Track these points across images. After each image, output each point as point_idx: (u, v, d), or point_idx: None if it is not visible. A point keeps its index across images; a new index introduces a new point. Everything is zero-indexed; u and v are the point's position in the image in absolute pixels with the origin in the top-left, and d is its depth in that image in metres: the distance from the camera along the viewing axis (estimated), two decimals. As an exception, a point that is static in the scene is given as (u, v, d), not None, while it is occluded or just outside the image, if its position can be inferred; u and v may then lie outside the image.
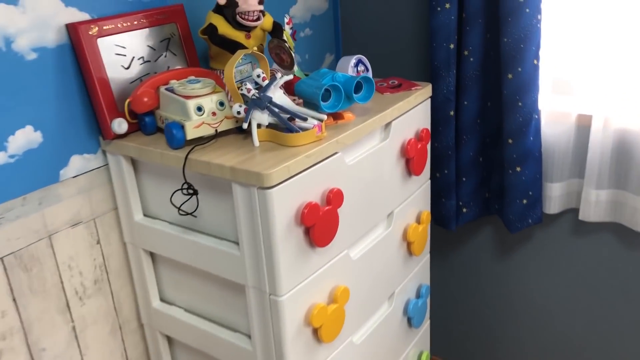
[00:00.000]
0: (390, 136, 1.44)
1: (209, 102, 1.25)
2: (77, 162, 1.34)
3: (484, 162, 1.82)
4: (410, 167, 1.53)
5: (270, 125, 1.25)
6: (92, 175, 1.37)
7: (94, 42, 1.28)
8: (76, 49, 1.27)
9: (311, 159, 1.18)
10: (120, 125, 1.30)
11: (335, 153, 1.26)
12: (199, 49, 1.54)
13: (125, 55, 1.34)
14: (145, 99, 1.29)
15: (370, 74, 1.51)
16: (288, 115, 1.23)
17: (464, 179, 1.82)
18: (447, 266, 2.10)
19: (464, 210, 1.85)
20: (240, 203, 1.16)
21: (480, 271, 2.03)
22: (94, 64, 1.28)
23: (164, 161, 1.25)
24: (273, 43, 1.39)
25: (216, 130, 1.25)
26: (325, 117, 1.26)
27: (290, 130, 1.21)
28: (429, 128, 1.61)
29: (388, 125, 1.43)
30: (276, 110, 1.22)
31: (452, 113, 1.73)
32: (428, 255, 1.76)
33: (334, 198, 1.24)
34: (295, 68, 1.49)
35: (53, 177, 1.30)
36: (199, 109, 1.24)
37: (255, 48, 1.44)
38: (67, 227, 1.34)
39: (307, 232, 1.21)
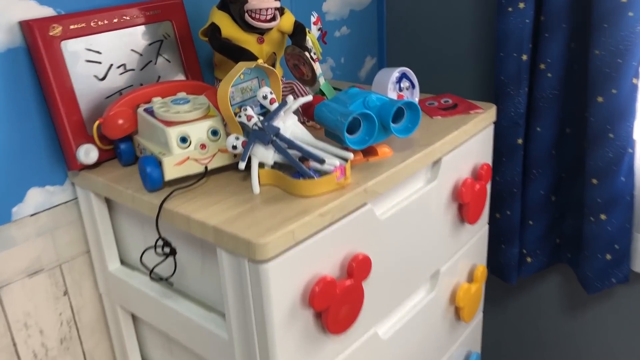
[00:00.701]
0: (439, 176, 1.10)
1: (198, 131, 0.94)
2: (37, 197, 1.06)
3: (556, 202, 1.45)
4: (464, 214, 1.19)
5: (277, 165, 0.93)
6: (58, 212, 1.09)
7: (56, 45, 0.98)
8: (32, 54, 0.98)
9: (328, 217, 0.86)
10: (87, 154, 1.01)
11: (364, 205, 0.93)
12: (204, 54, 1.23)
13: (100, 63, 1.05)
14: (120, 121, 0.99)
15: (416, 93, 1.17)
16: (300, 155, 0.91)
17: (530, 222, 1.46)
18: (503, 327, 1.74)
19: (528, 259, 1.49)
20: (227, 275, 0.85)
21: (545, 332, 1.67)
22: (56, 74, 0.98)
23: (136, 206, 0.95)
24: (289, 51, 1.07)
25: (206, 168, 0.95)
26: (351, 156, 0.93)
27: (302, 174, 0.89)
28: (491, 162, 1.26)
29: (438, 161, 1.09)
30: (284, 146, 0.90)
31: (520, 141, 1.37)
32: (480, 316, 1.41)
33: (359, 268, 0.92)
34: (322, 81, 1.16)
35: (3, 216, 1.02)
36: (183, 139, 0.93)
37: (272, 54, 1.12)
38: (22, 277, 1.06)
39: (319, 315, 0.89)
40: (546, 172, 1.40)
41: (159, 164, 0.92)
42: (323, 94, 1.21)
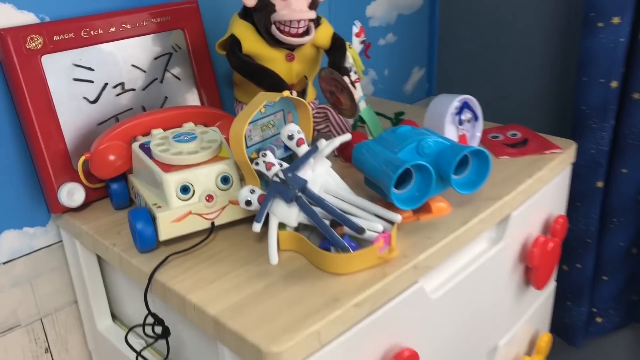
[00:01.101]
0: (506, 235, 0.88)
1: (205, 178, 0.74)
2: (12, 241, 0.87)
3: (638, 256, 1.21)
4: (532, 277, 0.96)
5: (301, 227, 0.73)
6: (39, 258, 0.91)
7: (34, 60, 0.79)
8: (5, 71, 0.79)
9: (365, 307, 0.65)
10: (71, 195, 0.82)
11: (413, 284, 0.72)
12: (223, 68, 1.03)
13: (91, 82, 0.85)
14: (111, 158, 0.80)
15: (479, 127, 0.95)
16: (331, 218, 0.70)
17: (604, 277, 1.22)
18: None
19: (598, 319, 1.26)
20: (230, 378, 0.65)
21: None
22: (34, 95, 0.79)
23: (124, 269, 0.76)
24: (325, 75, 0.86)
25: (212, 224, 0.74)
26: (398, 219, 0.72)
27: (334, 244, 0.68)
28: (565, 212, 1.03)
29: (506, 218, 0.87)
30: (311, 207, 0.69)
31: (599, 184, 1.13)
32: (539, 387, 1.19)
33: (403, 368, 0.71)
34: (362, 105, 0.95)
35: (-31, 264, 0.84)
36: (185, 189, 0.73)
37: (302, 77, 0.91)
38: (-7, 334, 0.89)
39: None
40: (628, 222, 1.16)
41: (152, 220, 0.72)
42: (362, 121, 0.99)
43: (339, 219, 0.68)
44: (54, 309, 0.95)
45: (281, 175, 0.70)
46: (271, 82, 0.83)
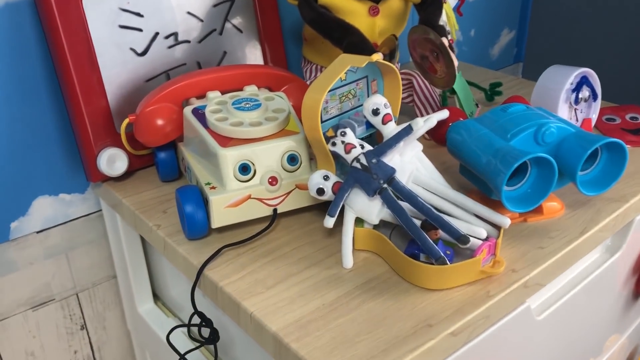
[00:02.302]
0: (626, 243, 0.72)
1: (269, 156, 0.61)
2: (47, 208, 0.77)
3: None
4: (644, 290, 0.81)
5: (381, 223, 0.59)
6: (76, 228, 0.81)
7: (75, 2, 0.67)
8: (41, 13, 0.67)
9: (463, 336, 0.52)
10: (112, 162, 0.70)
11: (521, 305, 0.58)
12: (290, 19, 0.89)
13: (140, 30, 0.72)
14: (159, 122, 0.67)
15: (596, 108, 0.78)
16: (422, 217, 0.56)
17: None
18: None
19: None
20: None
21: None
22: (73, 43, 0.67)
23: (168, 257, 0.64)
24: (416, 35, 0.70)
25: (275, 211, 0.62)
26: (507, 222, 0.58)
27: (427, 252, 0.54)
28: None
29: (629, 224, 0.71)
30: (399, 203, 0.55)
31: None
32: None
33: (498, 407, 0.57)
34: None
35: (-2, 233, 0.75)
36: (245, 168, 0.60)
37: (391, 36, 0.76)
38: (24, 309, 0.80)
39: None
40: None
41: (204, 203, 0.60)
42: (452, 91, 0.84)
43: (435, 222, 0.54)
44: (91, 283, 0.85)
45: (363, 160, 0.56)
46: (352, 41, 0.68)
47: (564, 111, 0.76)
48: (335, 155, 0.59)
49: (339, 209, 0.57)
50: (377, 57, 0.57)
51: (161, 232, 0.64)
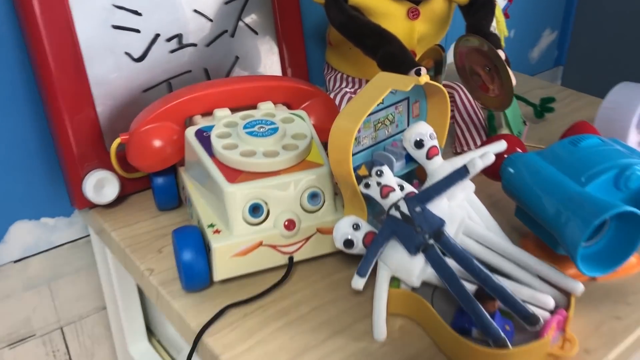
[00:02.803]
0: None
1: (286, 195, 0.49)
2: (27, 234, 0.67)
3: None
4: None
5: (424, 286, 0.48)
6: (60, 256, 0.70)
7: (59, 1, 0.56)
8: (18, 7, 0.56)
9: None
10: (99, 188, 0.60)
11: (587, 389, 0.47)
12: (311, 18, 0.77)
13: (137, 31, 0.61)
14: (156, 144, 0.56)
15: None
16: (476, 282, 0.45)
17: None
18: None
19: None
20: None
21: None
22: (55, 45, 0.56)
23: (163, 309, 0.54)
24: (466, 44, 0.58)
25: (291, 259, 0.51)
26: (580, 289, 0.46)
27: (484, 329, 0.43)
28: None
29: None
30: (449, 267, 0.44)
31: None
32: None
33: None
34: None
35: (-31, 262, 0.64)
36: (256, 209, 0.49)
37: (436, 47, 0.64)
38: (0, 347, 0.70)
39: None
40: None
41: (206, 249, 0.49)
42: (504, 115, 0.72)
43: (495, 293, 0.43)
44: (77, 316, 0.75)
45: (404, 208, 0.45)
46: (390, 52, 0.56)
47: (634, 138, 0.64)
48: (368, 198, 0.48)
49: (372, 267, 0.46)
50: (425, 78, 0.46)
51: (154, 279, 0.53)
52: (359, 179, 0.47)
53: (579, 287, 0.46)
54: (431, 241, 0.45)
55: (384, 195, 0.46)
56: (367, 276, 0.46)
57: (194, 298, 0.51)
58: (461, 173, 0.45)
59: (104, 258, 0.69)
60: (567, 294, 0.47)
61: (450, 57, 0.63)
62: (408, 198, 0.46)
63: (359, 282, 0.46)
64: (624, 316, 0.49)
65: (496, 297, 0.43)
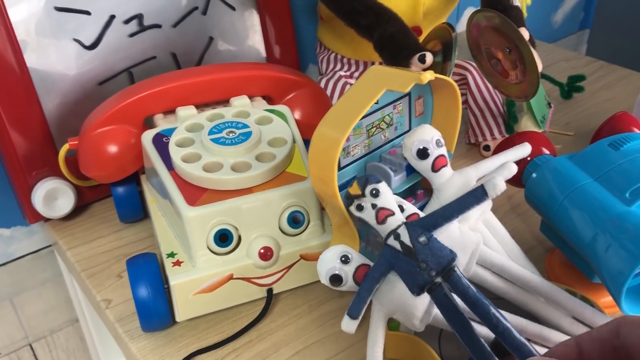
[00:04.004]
0: None
1: (260, 216, 0.41)
2: (-21, 247, 0.59)
3: None
4: None
5: (429, 327, 0.39)
6: (21, 268, 0.62)
7: (-16, -24, 0.46)
8: (-63, -7, 0.47)
9: None
10: (51, 200, 0.51)
11: None
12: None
13: (87, 13, 0.51)
14: (111, 150, 0.47)
15: None
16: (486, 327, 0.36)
17: None
18: None
19: None
20: None
21: None
22: (-14, 38, 0.47)
23: (121, 346, 0.46)
24: (480, 20, 0.48)
25: (270, 292, 0.42)
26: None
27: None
28: None
29: None
30: (458, 311, 0.35)
31: None
32: None
33: None
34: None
35: None
36: (224, 237, 0.40)
37: (444, 25, 0.54)
38: (-40, 369, 0.63)
39: None
40: None
41: (163, 290, 0.40)
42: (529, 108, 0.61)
43: (516, 352, 0.34)
44: (48, 330, 0.67)
45: (405, 237, 0.36)
46: (388, 32, 0.46)
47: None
48: (359, 224, 0.38)
49: (366, 307, 0.37)
50: (429, 75, 0.36)
51: (111, 314, 0.45)
52: (350, 199, 0.37)
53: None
54: (438, 279, 0.36)
55: (381, 220, 0.37)
56: (359, 318, 0.37)
57: (155, 339, 0.42)
58: (477, 196, 0.36)
59: (71, 283, 0.61)
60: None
61: (462, 36, 0.53)
62: (410, 224, 0.36)
63: (350, 325, 0.37)
64: (676, 360, 0.40)
65: (515, 355, 0.34)
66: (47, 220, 0.54)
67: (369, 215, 0.37)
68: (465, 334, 0.35)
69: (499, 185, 0.35)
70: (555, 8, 1.05)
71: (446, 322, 0.36)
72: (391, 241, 0.37)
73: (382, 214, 0.37)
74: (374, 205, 0.37)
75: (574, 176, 0.41)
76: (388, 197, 0.37)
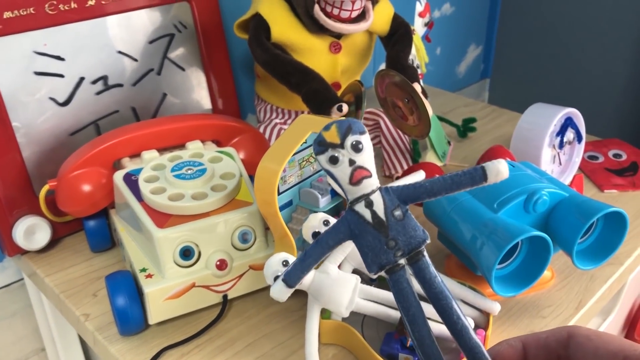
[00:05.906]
0: (618, 307, 0.65)
1: (216, 235, 0.51)
2: (-43, 283, 0.66)
3: None
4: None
5: (354, 315, 0.50)
6: (-6, 301, 0.69)
7: (-24, 47, 0.55)
8: None
9: None
10: (30, 234, 0.59)
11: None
12: (240, 50, 0.79)
13: (61, 76, 0.61)
14: (85, 189, 0.57)
15: (580, 151, 0.71)
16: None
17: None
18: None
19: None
20: None
21: None
22: (-23, 99, 0.56)
23: (100, 354, 0.54)
24: (385, 78, 0.61)
25: (225, 297, 0.52)
26: (497, 309, 0.50)
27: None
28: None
29: (622, 287, 0.64)
30: (414, 300, 0.27)
31: None
32: None
33: None
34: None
35: None
36: (187, 252, 0.50)
37: (356, 83, 0.67)
38: None
39: None
40: None
41: (137, 296, 0.50)
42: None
43: (467, 355, 0.29)
44: (16, 360, 0.74)
45: (379, 207, 0.28)
46: (313, 88, 0.59)
47: (547, 156, 0.69)
48: (294, 230, 0.49)
49: (301, 279, 0.30)
50: (337, 115, 0.48)
51: (90, 325, 0.53)
52: (324, 146, 0.28)
53: (495, 307, 0.50)
54: (402, 261, 0.29)
55: (355, 182, 0.29)
56: (294, 288, 0.30)
57: (130, 342, 0.51)
58: (474, 178, 0.28)
59: (39, 301, 0.68)
60: (486, 313, 0.51)
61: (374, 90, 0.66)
62: (387, 192, 0.29)
63: (283, 293, 0.31)
64: (539, 330, 0.52)
65: (466, 356, 0.27)
66: (24, 252, 0.62)
67: (341, 172, 0.29)
68: (416, 327, 0.29)
69: (503, 172, 0.28)
70: (459, 61, 1.22)
71: (400, 309, 0.29)
72: (360, 207, 0.29)
73: (360, 174, 0.29)
74: (351, 162, 0.29)
75: (458, 195, 0.54)
76: (370, 154, 0.29)
